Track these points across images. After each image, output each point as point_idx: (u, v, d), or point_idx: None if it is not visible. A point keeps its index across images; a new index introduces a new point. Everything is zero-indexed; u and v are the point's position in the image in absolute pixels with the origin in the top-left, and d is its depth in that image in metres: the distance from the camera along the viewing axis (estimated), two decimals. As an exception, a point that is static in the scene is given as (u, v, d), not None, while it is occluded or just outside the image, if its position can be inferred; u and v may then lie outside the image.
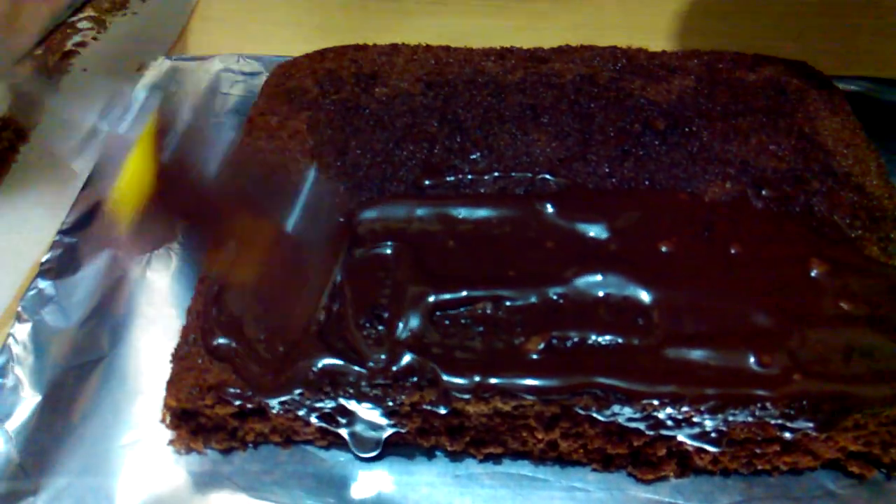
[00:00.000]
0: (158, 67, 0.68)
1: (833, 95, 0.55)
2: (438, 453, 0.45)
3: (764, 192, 0.48)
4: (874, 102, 0.63)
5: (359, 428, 0.42)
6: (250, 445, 0.45)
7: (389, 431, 0.42)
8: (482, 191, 0.48)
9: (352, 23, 0.77)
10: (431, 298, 0.42)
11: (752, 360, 0.40)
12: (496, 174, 0.49)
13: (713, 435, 0.40)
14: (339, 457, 0.45)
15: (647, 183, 0.48)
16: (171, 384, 0.42)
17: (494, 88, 0.55)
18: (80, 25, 0.76)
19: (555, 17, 0.76)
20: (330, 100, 0.55)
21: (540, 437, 0.42)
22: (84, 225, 0.55)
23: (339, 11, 0.78)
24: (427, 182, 0.48)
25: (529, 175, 0.48)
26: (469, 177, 0.49)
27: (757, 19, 0.75)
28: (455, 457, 0.45)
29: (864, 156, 0.51)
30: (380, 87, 0.56)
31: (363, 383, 0.40)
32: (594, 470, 0.44)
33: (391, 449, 0.45)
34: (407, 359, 0.40)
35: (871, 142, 0.53)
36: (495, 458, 0.45)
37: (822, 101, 0.54)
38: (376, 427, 0.42)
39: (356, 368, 0.40)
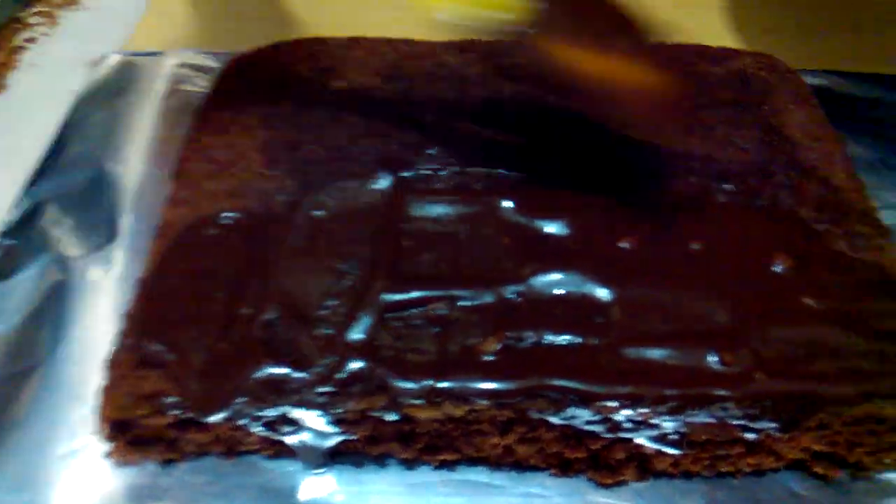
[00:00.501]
0: (109, 63, 0.66)
1: (799, 88, 0.54)
2: (390, 461, 0.43)
3: (728, 187, 0.46)
4: (841, 97, 0.63)
5: (305, 436, 0.40)
6: (192, 456, 0.43)
7: (337, 439, 0.40)
8: (438, 186, 0.46)
9: (315, 17, 0.74)
10: (383, 298, 0.40)
11: (713, 358, 0.38)
12: (454, 169, 0.47)
13: (673, 437, 0.39)
14: (285, 467, 0.43)
15: (607, 178, 0.47)
16: (106, 393, 0.40)
17: (455, 82, 0.53)
18: (30, 21, 0.74)
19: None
20: (283, 93, 0.53)
21: (495, 442, 0.40)
22: (23, 226, 0.53)
23: (302, 5, 0.76)
24: (383, 178, 0.47)
25: (486, 171, 0.47)
26: (426, 172, 0.47)
27: (724, 14, 0.74)
28: (408, 464, 0.43)
29: (830, 149, 0.50)
30: (337, 80, 0.54)
31: (308, 390, 0.38)
32: (553, 475, 0.42)
33: (340, 457, 0.43)
34: (355, 363, 0.38)
35: (837, 135, 0.52)
36: (450, 465, 0.43)
37: (787, 93, 0.53)
38: (323, 435, 0.40)
39: (301, 375, 0.38)
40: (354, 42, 0.57)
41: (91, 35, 0.72)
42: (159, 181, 0.54)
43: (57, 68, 0.67)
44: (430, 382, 0.37)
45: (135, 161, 0.58)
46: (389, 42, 0.57)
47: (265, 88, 0.53)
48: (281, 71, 0.54)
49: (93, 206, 0.55)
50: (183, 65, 0.65)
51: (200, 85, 0.62)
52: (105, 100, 0.63)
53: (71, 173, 0.57)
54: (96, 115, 0.61)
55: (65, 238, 0.53)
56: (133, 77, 0.65)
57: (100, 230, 0.53)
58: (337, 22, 0.72)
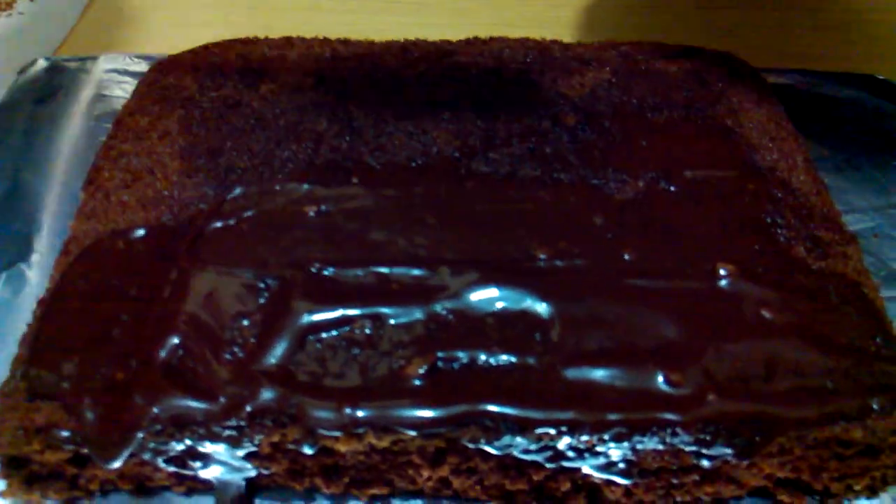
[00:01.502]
0: (36, 69, 0.62)
1: (758, 86, 0.51)
2: (318, 496, 0.39)
3: (681, 191, 0.43)
4: (805, 95, 0.60)
5: (217, 471, 0.36)
6: (98, 494, 0.39)
7: (253, 474, 0.37)
8: (365, 195, 0.42)
9: (259, 20, 0.71)
10: (301, 317, 0.37)
11: (660, 379, 0.35)
12: (384, 177, 0.43)
13: (621, 465, 0.35)
14: (203, 502, 0.39)
15: (551, 183, 0.43)
16: (-6, 427, 0.36)
17: (393, 83, 0.50)
18: (-40, 26, 0.70)
19: (476, 13, 0.71)
20: (208, 97, 0.49)
21: (426, 474, 0.37)
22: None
23: (246, 9, 0.72)
24: (307, 186, 0.43)
25: (418, 177, 0.43)
26: (353, 180, 0.43)
27: (688, 14, 0.71)
28: (337, 500, 0.39)
29: (790, 150, 0.47)
30: (266, 82, 0.50)
31: (215, 423, 0.34)
32: (495, 508, 0.39)
33: (262, 492, 0.39)
34: (266, 392, 0.34)
35: (798, 135, 0.49)
36: (383, 500, 0.39)
37: (746, 92, 0.50)
38: (237, 470, 0.36)
39: (205, 406, 0.34)
40: (288, 42, 0.53)
41: (24, 40, 0.68)
42: (77, 193, 0.50)
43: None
44: (349, 411, 0.34)
45: (55, 172, 0.54)
46: (326, 42, 0.54)
47: (189, 92, 0.49)
48: (207, 73, 0.50)
49: (6, 221, 0.50)
50: (114, 69, 0.62)
51: (129, 90, 0.59)
52: (29, 108, 0.59)
53: (-16, 185, 0.53)
54: (18, 123, 0.58)
55: (-28, 255, 0.49)
56: (60, 83, 0.61)
57: (11, 247, 0.49)
58: (284, 24, 0.69)
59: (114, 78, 0.61)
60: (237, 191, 0.42)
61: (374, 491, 0.38)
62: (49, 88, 0.60)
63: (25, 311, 0.45)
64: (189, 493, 0.39)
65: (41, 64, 0.63)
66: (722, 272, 0.38)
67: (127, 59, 0.62)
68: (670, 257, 0.39)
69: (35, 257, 0.49)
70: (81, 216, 0.43)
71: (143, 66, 0.62)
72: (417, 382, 0.35)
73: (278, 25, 0.68)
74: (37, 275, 0.48)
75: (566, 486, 0.37)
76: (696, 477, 0.37)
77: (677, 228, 0.41)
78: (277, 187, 0.42)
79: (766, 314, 0.37)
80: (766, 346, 0.36)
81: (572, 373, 0.35)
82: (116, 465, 0.35)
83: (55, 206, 0.52)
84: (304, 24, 0.69)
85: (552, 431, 0.34)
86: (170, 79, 0.51)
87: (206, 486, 0.39)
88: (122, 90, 0.60)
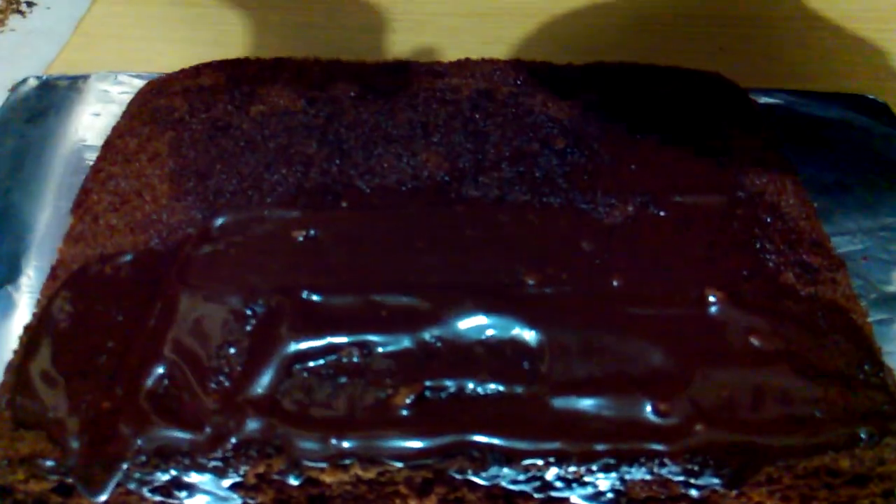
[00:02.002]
0: (27, 88, 0.62)
1: (747, 109, 0.52)
2: (305, 524, 0.39)
3: (669, 216, 0.43)
4: (794, 115, 0.60)
5: (203, 501, 0.36)
6: (83, 523, 0.39)
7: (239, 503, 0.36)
8: (355, 220, 0.42)
9: (251, 39, 0.71)
10: (288, 345, 0.37)
11: (648, 408, 0.35)
12: (375, 201, 0.44)
13: (610, 495, 0.35)
14: (188, 533, 0.39)
15: (540, 207, 0.43)
16: (-23, 456, 0.35)
17: (383, 105, 0.50)
18: (-49, 43, 0.70)
19: (468, 33, 0.72)
20: (198, 119, 0.49)
21: (414, 504, 0.37)
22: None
23: (237, 27, 0.72)
24: (296, 212, 0.43)
25: (409, 201, 0.43)
26: (342, 204, 0.43)
27: (676, 35, 0.72)
28: (324, 528, 0.39)
29: (779, 174, 0.47)
30: (256, 104, 0.50)
31: (199, 454, 0.34)
32: (484, 537, 0.39)
33: (249, 521, 0.39)
34: (252, 422, 0.34)
35: (786, 159, 0.49)
36: (370, 528, 0.39)
37: (735, 115, 0.51)
38: (223, 500, 0.36)
39: (190, 436, 0.34)
40: (280, 63, 0.53)
41: (15, 58, 0.68)
42: (67, 215, 0.50)
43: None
44: (335, 442, 0.33)
45: (45, 193, 0.54)
46: (317, 62, 0.54)
47: (179, 114, 0.49)
48: (198, 95, 0.51)
49: (-6, 243, 0.51)
50: (105, 89, 0.62)
51: (119, 109, 0.59)
52: (19, 127, 0.59)
53: (-27, 207, 0.53)
54: (7, 143, 0.57)
55: (-40, 277, 0.48)
56: (51, 102, 0.61)
57: (0, 269, 0.49)
58: (276, 43, 0.69)
59: (105, 97, 0.61)
60: (225, 215, 0.42)
61: (362, 520, 0.38)
62: (40, 107, 0.60)
63: (13, 336, 0.45)
64: (175, 522, 0.39)
65: (32, 82, 0.62)
66: (711, 298, 0.38)
67: (119, 78, 0.62)
68: (659, 283, 0.39)
69: (23, 280, 0.49)
70: (70, 240, 0.43)
71: (134, 84, 0.62)
72: (404, 412, 0.35)
73: (270, 44, 0.69)
74: (25, 298, 0.48)
75: (555, 515, 0.37)
76: (686, 506, 0.37)
77: (666, 254, 0.41)
78: (266, 212, 0.42)
79: (755, 341, 0.37)
80: (754, 374, 0.36)
81: (560, 402, 0.35)
82: (103, 498, 0.34)
83: (45, 227, 0.51)
84: (295, 42, 0.70)
85: (539, 462, 0.34)
86: (160, 100, 0.51)
87: (193, 515, 0.39)
88: (113, 110, 0.60)
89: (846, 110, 0.62)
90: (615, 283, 0.39)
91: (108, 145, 0.48)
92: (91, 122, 0.59)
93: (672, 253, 0.41)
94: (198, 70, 0.53)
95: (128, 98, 0.59)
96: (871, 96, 0.63)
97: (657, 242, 0.41)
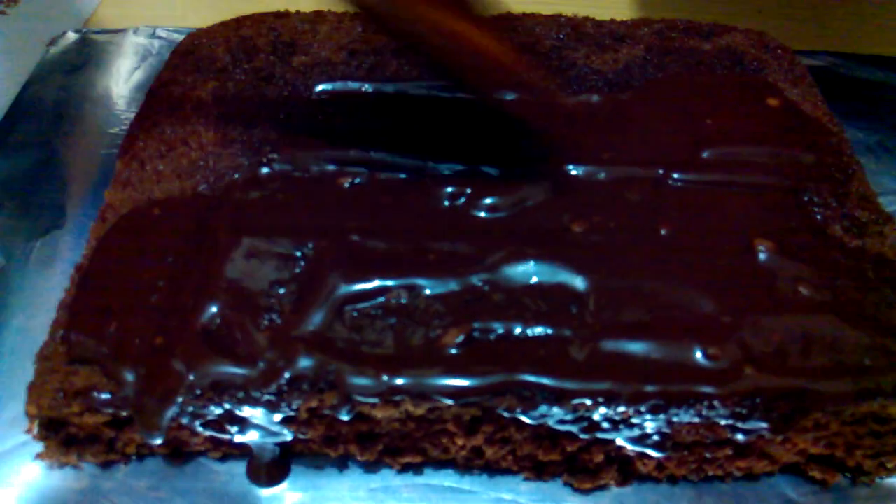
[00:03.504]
0: (66, 42, 0.62)
1: (794, 66, 0.51)
2: (351, 463, 0.40)
3: (716, 168, 0.43)
4: (840, 78, 0.59)
5: (254, 436, 0.37)
6: (134, 458, 0.39)
7: (288, 439, 0.37)
8: (401, 176, 0.42)
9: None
10: (338, 286, 0.37)
11: (698, 352, 0.35)
12: (416, 149, 0.43)
13: (655, 438, 0.35)
14: (235, 469, 0.39)
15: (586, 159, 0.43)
16: (33, 389, 0.36)
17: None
18: (-12, -1, 0.70)
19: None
20: (241, 69, 0.49)
21: (461, 443, 0.37)
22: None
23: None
24: (339, 159, 0.43)
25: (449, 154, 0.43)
26: (385, 156, 0.43)
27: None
28: (370, 467, 0.39)
29: (825, 129, 0.46)
30: (298, 55, 0.50)
31: (253, 388, 0.34)
32: (526, 479, 0.39)
33: (296, 459, 0.39)
34: (304, 359, 0.34)
35: (833, 115, 0.48)
36: (415, 468, 0.39)
37: (781, 72, 0.50)
38: (274, 434, 0.37)
39: (244, 371, 0.34)
40: (320, 16, 0.53)
41: (52, 13, 0.69)
42: (111, 163, 0.50)
43: (16, 47, 0.64)
44: (385, 378, 0.34)
45: (86, 143, 0.54)
46: (357, 16, 0.53)
47: (221, 64, 0.49)
48: (240, 46, 0.51)
49: (39, 190, 0.51)
50: (142, 43, 0.62)
51: (159, 62, 0.59)
52: (60, 79, 0.59)
53: (18, 155, 0.53)
54: (49, 94, 0.58)
55: (8, 222, 0.49)
56: (91, 55, 0.61)
57: (46, 215, 0.50)
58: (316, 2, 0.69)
59: (143, 51, 0.61)
60: (272, 161, 0.43)
61: (407, 459, 0.39)
62: (79, 61, 0.60)
63: (61, 278, 0.46)
64: (223, 459, 0.40)
65: (71, 37, 0.63)
66: (760, 248, 0.38)
67: (155, 33, 0.63)
68: (707, 233, 0.39)
69: (69, 225, 0.49)
70: (117, 185, 0.43)
71: (172, 38, 0.62)
72: (454, 351, 0.35)
73: (306, 2, 0.68)
74: (70, 242, 0.48)
75: (599, 457, 0.37)
76: (730, 451, 0.37)
77: (714, 205, 0.41)
78: (312, 158, 0.42)
79: (804, 290, 0.37)
80: (803, 321, 0.36)
81: (609, 345, 0.35)
82: (159, 431, 0.35)
83: (87, 175, 0.52)
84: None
85: (588, 402, 0.34)
86: (202, 51, 0.51)
87: (241, 452, 0.39)
88: (152, 63, 0.60)
89: (887, 72, 0.61)
90: (663, 232, 0.39)
91: (152, 94, 0.48)
92: (130, 76, 0.60)
93: (721, 205, 0.41)
94: (238, 22, 0.53)
95: (166, 52, 0.59)
96: (916, 59, 0.62)
97: (705, 195, 0.41)
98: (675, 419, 0.34)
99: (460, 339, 0.35)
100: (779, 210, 0.41)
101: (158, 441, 0.37)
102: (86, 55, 0.61)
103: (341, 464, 0.40)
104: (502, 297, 0.37)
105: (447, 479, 0.39)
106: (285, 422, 0.36)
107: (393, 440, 0.37)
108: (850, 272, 0.38)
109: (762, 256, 0.38)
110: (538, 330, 0.36)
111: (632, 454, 0.37)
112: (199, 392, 0.35)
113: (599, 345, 0.35)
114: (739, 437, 0.35)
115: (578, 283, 0.37)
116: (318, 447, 0.38)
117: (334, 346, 0.35)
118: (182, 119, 0.46)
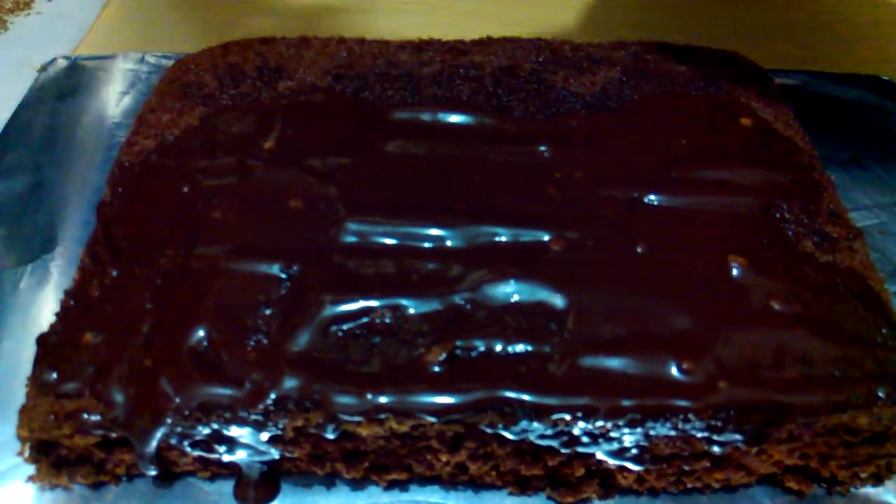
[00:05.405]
0: (56, 68, 0.63)
1: (766, 86, 0.52)
2: (338, 481, 0.40)
3: (690, 188, 0.44)
4: (811, 96, 0.61)
5: (242, 455, 0.37)
6: (124, 479, 0.40)
7: (276, 457, 0.38)
8: (384, 191, 0.43)
9: (274, 21, 0.72)
10: (324, 306, 0.38)
11: (672, 366, 0.36)
12: (402, 171, 0.45)
13: (634, 451, 0.36)
14: (224, 489, 0.40)
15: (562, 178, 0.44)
16: (24, 412, 0.37)
17: (408, 81, 0.51)
18: (-21, 25, 0.71)
19: (486, 15, 0.73)
20: (228, 94, 0.50)
21: (445, 459, 0.38)
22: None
23: (261, 10, 0.74)
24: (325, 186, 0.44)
25: (435, 173, 0.44)
26: (372, 177, 0.44)
27: (693, 14, 0.73)
28: (356, 485, 0.40)
29: (798, 148, 0.48)
30: (284, 80, 0.51)
31: (240, 408, 0.35)
32: (511, 493, 0.40)
33: (284, 478, 0.40)
34: (290, 379, 0.35)
35: (805, 133, 0.50)
36: (401, 485, 0.40)
37: (754, 92, 0.52)
38: (261, 453, 0.37)
39: (231, 392, 0.35)
40: (305, 42, 0.55)
41: (42, 39, 0.70)
42: (98, 189, 0.51)
43: (7, 73, 0.65)
44: (370, 397, 0.35)
45: (76, 168, 0.55)
46: (342, 41, 0.55)
47: (208, 89, 0.50)
48: (227, 71, 0.52)
49: (29, 215, 0.52)
50: (132, 68, 0.63)
51: (147, 88, 0.60)
52: (50, 104, 0.60)
53: (9, 180, 0.54)
54: (40, 120, 0.59)
55: (-1, 248, 0.50)
56: (81, 81, 0.62)
57: (36, 240, 0.50)
58: (298, 26, 0.70)
59: (132, 76, 0.63)
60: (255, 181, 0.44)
61: (393, 476, 0.39)
62: (69, 87, 0.61)
63: (50, 303, 0.47)
64: (213, 478, 0.40)
65: (61, 63, 0.64)
66: (733, 264, 0.39)
67: (143, 59, 0.64)
68: (682, 250, 0.40)
69: (59, 250, 0.50)
70: (102, 205, 0.44)
71: (160, 64, 0.63)
72: (437, 369, 0.36)
73: (293, 26, 0.70)
74: (62, 266, 0.49)
75: (580, 471, 0.38)
76: (707, 463, 0.38)
77: (688, 222, 0.42)
78: (297, 178, 0.43)
79: (776, 305, 0.38)
80: (775, 335, 0.37)
81: (587, 360, 0.36)
82: (150, 448, 0.36)
83: (77, 200, 0.53)
84: (317, 24, 0.71)
85: (567, 417, 0.35)
86: (190, 76, 0.52)
87: (229, 471, 0.40)
88: (141, 88, 0.61)
89: (862, 91, 0.63)
90: (639, 250, 0.40)
91: (141, 120, 0.49)
92: (119, 101, 0.61)
93: (695, 223, 0.42)
94: (225, 48, 0.55)
95: (154, 78, 0.60)
96: (885, 77, 0.64)
97: (680, 213, 0.42)
98: (652, 432, 0.35)
99: (443, 356, 0.36)
100: (752, 227, 0.42)
101: (152, 472, 0.37)
102: (76, 80, 0.62)
103: (329, 482, 0.40)
104: (484, 315, 0.38)
105: (433, 494, 0.40)
106: (272, 441, 0.37)
107: (378, 457, 0.38)
108: (820, 287, 0.40)
109: (735, 272, 0.39)
110: (519, 347, 0.37)
111: (612, 468, 0.38)
112: (187, 413, 0.35)
113: (578, 361, 0.36)
114: (716, 449, 0.36)
115: (557, 300, 0.38)
116: (306, 466, 0.39)
117: (320, 366, 0.36)
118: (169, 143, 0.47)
